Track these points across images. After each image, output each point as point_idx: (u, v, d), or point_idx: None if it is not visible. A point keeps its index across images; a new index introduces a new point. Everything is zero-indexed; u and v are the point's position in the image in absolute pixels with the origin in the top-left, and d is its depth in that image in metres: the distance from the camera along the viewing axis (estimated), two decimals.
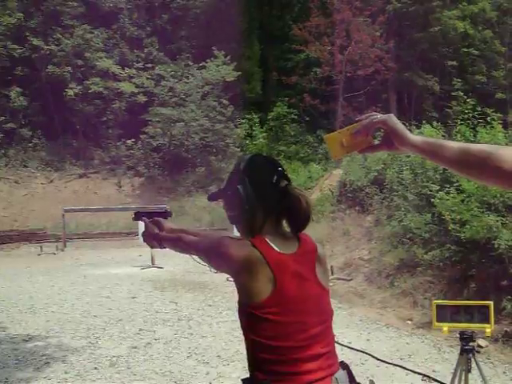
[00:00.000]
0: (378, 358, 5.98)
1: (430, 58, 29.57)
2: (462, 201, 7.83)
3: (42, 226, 19.57)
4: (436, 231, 8.60)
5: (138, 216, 2.50)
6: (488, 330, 3.51)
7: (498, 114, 9.66)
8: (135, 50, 28.02)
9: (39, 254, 15.77)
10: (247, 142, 27.39)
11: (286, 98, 28.20)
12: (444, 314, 3.60)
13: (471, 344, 3.54)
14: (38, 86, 26.35)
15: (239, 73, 26.15)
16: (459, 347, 3.61)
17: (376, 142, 1.63)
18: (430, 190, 8.81)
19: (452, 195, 8.05)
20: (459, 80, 27.05)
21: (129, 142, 26.10)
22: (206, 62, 26.01)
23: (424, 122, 12.19)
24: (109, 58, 26.41)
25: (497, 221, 7.02)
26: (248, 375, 1.86)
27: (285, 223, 1.96)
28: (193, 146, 25.83)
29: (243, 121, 27.96)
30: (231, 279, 1.89)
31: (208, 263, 2.04)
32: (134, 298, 9.59)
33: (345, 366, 1.93)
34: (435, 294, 7.90)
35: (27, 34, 25.52)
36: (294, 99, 28.17)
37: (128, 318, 8.05)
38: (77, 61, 25.96)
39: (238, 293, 1.86)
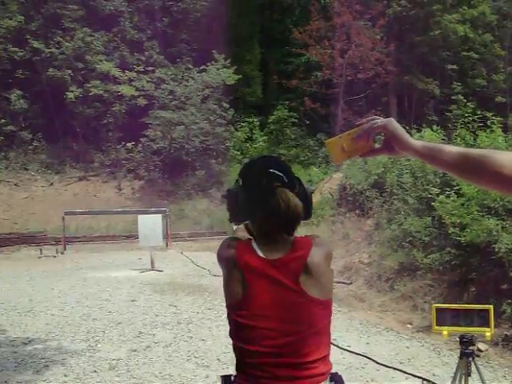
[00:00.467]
0: (378, 361, 5.97)
1: (430, 62, 29.61)
2: (462, 204, 7.84)
3: (42, 229, 19.55)
4: (436, 235, 8.61)
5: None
6: (488, 334, 3.50)
7: (498, 118, 9.67)
8: (135, 53, 28.01)
9: (39, 257, 15.76)
10: (247, 145, 27.42)
11: (287, 102, 28.25)
12: (444, 318, 3.60)
13: (471, 348, 3.54)
14: (39, 89, 26.35)
15: (239, 76, 26.16)
16: (459, 351, 3.60)
17: (377, 145, 1.63)
18: (430, 194, 8.82)
19: (452, 199, 8.06)
20: (459, 84, 27.09)
21: (129, 145, 26.08)
22: (207, 66, 26.02)
23: (424, 125, 12.20)
24: (109, 61, 26.40)
25: (497, 224, 7.02)
26: None
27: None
28: (193, 149, 25.84)
29: (243, 124, 27.99)
30: None
31: None
32: (133, 301, 9.59)
33: (336, 378, 1.89)
34: (435, 298, 7.90)
35: (28, 36, 25.52)
36: (295, 103, 28.22)
37: (128, 321, 8.04)
38: (77, 64, 25.94)
39: None
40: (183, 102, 25.72)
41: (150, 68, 26.99)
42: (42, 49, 25.45)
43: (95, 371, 5.80)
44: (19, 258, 15.88)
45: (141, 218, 13.94)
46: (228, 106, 26.21)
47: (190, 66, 26.73)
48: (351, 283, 9.99)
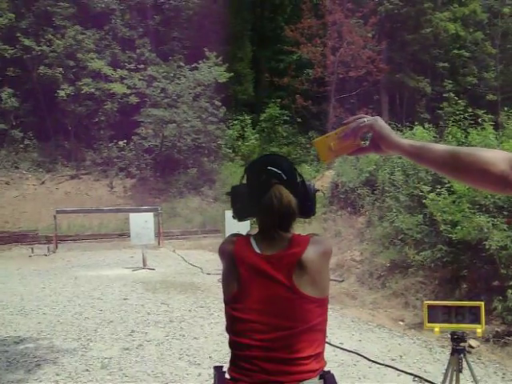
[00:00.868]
0: (370, 358, 5.99)
1: (421, 60, 29.70)
2: (454, 202, 7.86)
3: (34, 228, 19.48)
4: (427, 232, 8.63)
5: None
6: (479, 331, 3.52)
7: (489, 116, 9.70)
8: (127, 51, 27.95)
9: (30, 256, 15.70)
10: (239, 143, 27.42)
11: (278, 100, 28.25)
12: (435, 315, 3.61)
13: (462, 344, 3.55)
14: (30, 87, 26.25)
15: (231, 74, 26.14)
16: (450, 347, 3.62)
17: (366, 143, 1.64)
18: (422, 191, 8.84)
19: (443, 196, 8.08)
20: (450, 81, 27.18)
21: (121, 143, 26.03)
22: (198, 63, 25.98)
23: (416, 123, 12.23)
24: (101, 59, 26.33)
25: (488, 222, 7.05)
26: None
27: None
28: (185, 147, 25.81)
29: (235, 122, 27.98)
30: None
31: None
32: (125, 299, 9.57)
33: (327, 376, 1.88)
34: (426, 295, 7.93)
35: (18, 34, 25.40)
36: (286, 100, 28.24)
37: (119, 320, 8.03)
38: (68, 62, 25.85)
39: None
40: (175, 99, 25.67)
41: (142, 66, 26.95)
42: (33, 47, 25.34)
43: (87, 370, 5.79)
44: (10, 257, 15.81)
45: (133, 216, 13.91)
46: (220, 103, 26.19)
47: (182, 64, 26.68)
48: (343, 281, 10.01)
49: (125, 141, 25.99)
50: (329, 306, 1.93)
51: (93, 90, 25.64)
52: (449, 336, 3.66)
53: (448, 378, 3.59)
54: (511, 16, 29.40)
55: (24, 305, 9.13)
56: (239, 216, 2.07)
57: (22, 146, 25.98)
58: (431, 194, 8.39)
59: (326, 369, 1.91)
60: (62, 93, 24.96)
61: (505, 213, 7.33)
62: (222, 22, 27.45)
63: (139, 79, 26.10)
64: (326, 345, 1.95)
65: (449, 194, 8.09)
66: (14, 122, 26.11)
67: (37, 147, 26.50)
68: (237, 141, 27.52)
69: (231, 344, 1.92)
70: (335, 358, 5.87)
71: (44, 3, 26.47)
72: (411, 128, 11.98)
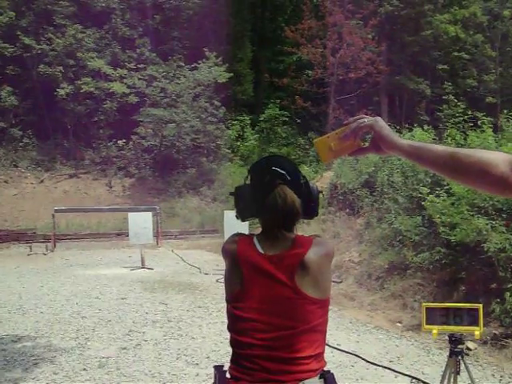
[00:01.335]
0: (368, 360, 5.99)
1: (421, 62, 29.73)
2: (452, 204, 7.86)
3: (32, 226, 19.48)
4: (426, 234, 8.63)
5: None
6: (477, 333, 3.52)
7: (489, 118, 9.69)
8: (127, 51, 27.93)
9: (29, 254, 15.68)
10: (238, 143, 27.43)
11: (278, 100, 28.28)
12: (433, 317, 3.61)
13: (460, 346, 3.56)
14: (29, 86, 26.25)
15: (231, 74, 26.14)
16: (448, 349, 3.62)
17: (366, 144, 1.64)
18: (421, 193, 8.84)
19: (442, 198, 8.08)
20: (450, 84, 27.18)
21: (120, 142, 26.02)
22: (198, 63, 25.98)
23: (415, 125, 12.23)
24: (100, 58, 26.31)
25: (486, 224, 7.05)
26: None
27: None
28: (184, 147, 25.81)
29: (235, 122, 27.99)
30: (221, 281, 1.92)
31: None
32: (123, 299, 9.56)
33: (327, 375, 1.89)
34: (425, 297, 7.93)
35: (19, 33, 25.39)
36: (286, 101, 28.26)
37: (117, 319, 8.02)
38: (68, 60, 25.85)
39: None
40: (174, 99, 25.67)
41: (142, 65, 26.93)
42: (33, 45, 25.35)
43: (85, 369, 5.78)
44: (9, 256, 15.79)
45: (131, 215, 13.90)
46: (219, 104, 26.20)
47: (182, 64, 26.68)
48: (341, 282, 10.01)
49: (124, 140, 25.99)
50: (329, 307, 1.94)
51: (92, 89, 25.62)
52: (447, 338, 3.66)
53: (446, 380, 3.59)
54: (511, 19, 29.41)
55: (22, 303, 9.12)
56: (242, 216, 2.08)
57: (21, 144, 25.97)
58: (430, 195, 8.39)
59: (325, 368, 1.91)
60: (61, 91, 24.94)
61: (504, 215, 7.33)
62: (222, 22, 27.49)
63: (139, 79, 26.09)
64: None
65: (448, 196, 8.09)
66: (14, 120, 26.10)
67: (36, 146, 26.50)
68: (236, 141, 27.53)
69: (232, 342, 1.93)
70: (333, 359, 5.87)
71: (44, 2, 26.47)
72: (410, 130, 11.98)
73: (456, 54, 29.22)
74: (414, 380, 5.39)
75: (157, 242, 16.86)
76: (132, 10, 29.10)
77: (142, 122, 25.42)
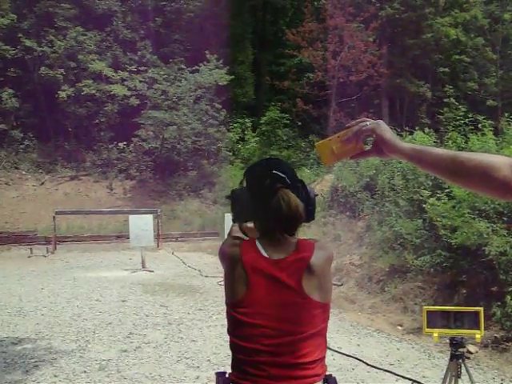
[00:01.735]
0: (368, 363, 5.99)
1: (422, 65, 29.71)
2: (453, 207, 7.86)
3: (33, 229, 19.48)
4: (427, 237, 8.63)
5: None
6: (478, 336, 3.51)
7: (490, 121, 9.69)
8: (128, 53, 27.95)
9: (29, 257, 15.69)
10: (239, 146, 27.43)
11: (279, 103, 28.28)
12: (434, 320, 3.61)
13: (461, 350, 3.55)
14: (31, 88, 26.26)
15: (232, 77, 26.14)
16: (449, 353, 3.62)
17: (368, 147, 1.63)
18: (422, 196, 8.84)
19: (443, 201, 8.08)
20: (451, 87, 27.17)
21: (121, 144, 26.02)
22: (199, 66, 25.99)
23: (416, 128, 12.24)
24: (102, 61, 26.32)
25: (487, 227, 7.05)
26: None
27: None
28: (185, 150, 25.80)
29: (235, 125, 28.00)
30: (222, 283, 1.91)
31: None
32: (124, 301, 9.56)
33: (330, 380, 1.89)
34: (425, 300, 7.92)
35: (20, 35, 25.41)
36: (287, 104, 28.26)
37: (118, 322, 8.02)
38: (69, 63, 25.86)
39: None
40: (175, 102, 25.68)
41: (143, 68, 26.94)
42: (35, 47, 25.36)
43: (85, 372, 5.78)
44: (9, 258, 15.80)
45: (132, 218, 13.91)
46: (220, 106, 26.20)
47: (183, 66, 26.70)
48: (342, 285, 10.00)
49: (125, 142, 25.99)
50: (329, 311, 1.94)
51: (93, 91, 25.62)
52: (448, 341, 3.65)
53: None
54: None
55: (22, 306, 9.13)
56: (239, 220, 2.06)
57: (22, 146, 25.99)
58: (431, 198, 8.39)
59: (326, 373, 1.91)
60: (62, 94, 24.94)
61: (504, 218, 7.33)
62: (223, 24, 27.47)
63: (140, 81, 26.11)
64: None
65: (449, 199, 8.09)
66: (15, 122, 26.12)
67: (37, 148, 26.51)
68: (237, 144, 27.53)
69: (234, 347, 1.90)
70: (334, 363, 5.87)
71: (46, 4, 26.50)
72: (411, 133, 11.99)
73: (457, 56, 29.21)
74: (414, 383, 5.38)
75: (157, 244, 16.87)
76: (133, 13, 29.11)
77: (142, 124, 25.42)
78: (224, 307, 1.99)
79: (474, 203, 7.58)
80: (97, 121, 26.54)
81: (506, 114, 10.06)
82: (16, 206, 22.35)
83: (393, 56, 28.39)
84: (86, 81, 25.73)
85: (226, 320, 1.97)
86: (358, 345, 6.83)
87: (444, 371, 3.72)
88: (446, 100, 25.89)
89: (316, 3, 29.42)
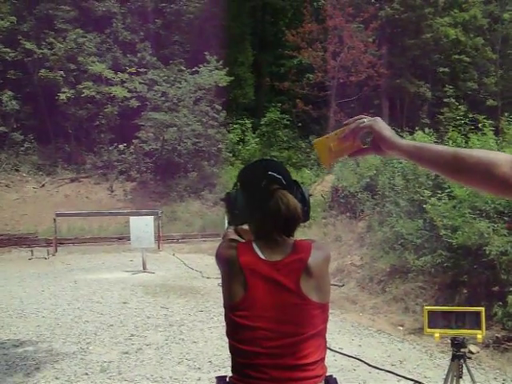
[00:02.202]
0: (370, 363, 5.98)
1: (421, 65, 29.72)
2: (454, 207, 7.86)
3: (34, 231, 19.47)
4: (428, 237, 8.62)
5: None
6: (479, 336, 3.51)
7: (490, 121, 9.70)
8: (128, 55, 27.95)
9: (30, 259, 15.69)
10: (240, 147, 27.44)
11: (279, 104, 28.31)
12: (435, 320, 3.60)
13: (462, 350, 3.54)
14: (31, 90, 26.27)
15: (232, 78, 26.15)
16: (451, 353, 3.61)
17: (367, 145, 1.62)
18: (422, 196, 8.84)
19: (444, 201, 8.08)
20: (451, 87, 27.18)
21: (121, 146, 26.02)
22: (199, 67, 26.00)
23: (416, 128, 12.25)
24: (101, 63, 26.33)
25: (488, 227, 7.05)
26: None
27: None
28: (185, 151, 25.79)
29: (236, 126, 28.00)
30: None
31: None
32: (125, 303, 9.56)
33: (331, 381, 1.89)
34: (426, 300, 7.92)
35: (20, 37, 25.43)
36: (287, 105, 28.29)
37: (119, 324, 8.02)
38: (69, 65, 25.88)
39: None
40: (175, 103, 25.68)
41: (143, 69, 26.95)
42: (34, 50, 25.38)
43: (86, 374, 5.78)
44: (10, 260, 15.80)
45: (133, 219, 13.91)
46: (220, 107, 26.21)
47: (183, 68, 26.71)
48: (343, 285, 9.99)
49: (125, 144, 25.99)
50: (329, 311, 1.93)
51: (93, 93, 25.64)
52: (449, 341, 3.65)
53: None
54: (511, 22, 29.43)
55: (23, 308, 9.13)
56: (235, 222, 2.06)
57: (22, 148, 26.00)
58: (432, 198, 8.38)
59: (327, 374, 1.90)
60: (62, 96, 24.95)
61: (505, 218, 7.33)
62: (223, 26, 27.47)
63: (140, 83, 26.12)
64: (326, 350, 1.94)
65: (449, 199, 8.09)
66: (15, 124, 26.11)
67: (37, 150, 26.52)
68: (237, 145, 27.54)
69: (234, 351, 1.88)
70: (335, 363, 5.86)
71: (45, 6, 26.52)
72: (411, 133, 11.99)
73: (456, 56, 29.21)
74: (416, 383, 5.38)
75: (158, 245, 16.87)
76: (133, 15, 29.12)
77: (143, 126, 25.44)
78: None
79: (474, 203, 7.58)
80: (97, 123, 26.55)
81: (506, 114, 10.07)
82: (16, 209, 22.36)
83: (392, 56, 28.40)
84: (86, 83, 25.75)
85: None
86: (360, 345, 6.83)
87: (445, 371, 3.72)
88: (446, 100, 25.97)
89: (315, 4, 29.46)
